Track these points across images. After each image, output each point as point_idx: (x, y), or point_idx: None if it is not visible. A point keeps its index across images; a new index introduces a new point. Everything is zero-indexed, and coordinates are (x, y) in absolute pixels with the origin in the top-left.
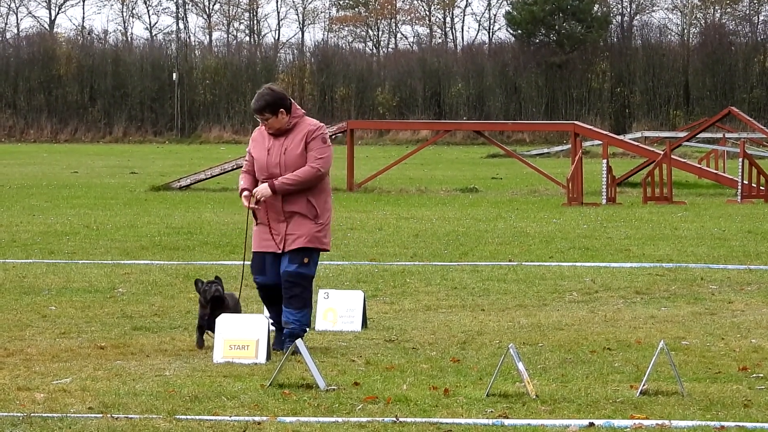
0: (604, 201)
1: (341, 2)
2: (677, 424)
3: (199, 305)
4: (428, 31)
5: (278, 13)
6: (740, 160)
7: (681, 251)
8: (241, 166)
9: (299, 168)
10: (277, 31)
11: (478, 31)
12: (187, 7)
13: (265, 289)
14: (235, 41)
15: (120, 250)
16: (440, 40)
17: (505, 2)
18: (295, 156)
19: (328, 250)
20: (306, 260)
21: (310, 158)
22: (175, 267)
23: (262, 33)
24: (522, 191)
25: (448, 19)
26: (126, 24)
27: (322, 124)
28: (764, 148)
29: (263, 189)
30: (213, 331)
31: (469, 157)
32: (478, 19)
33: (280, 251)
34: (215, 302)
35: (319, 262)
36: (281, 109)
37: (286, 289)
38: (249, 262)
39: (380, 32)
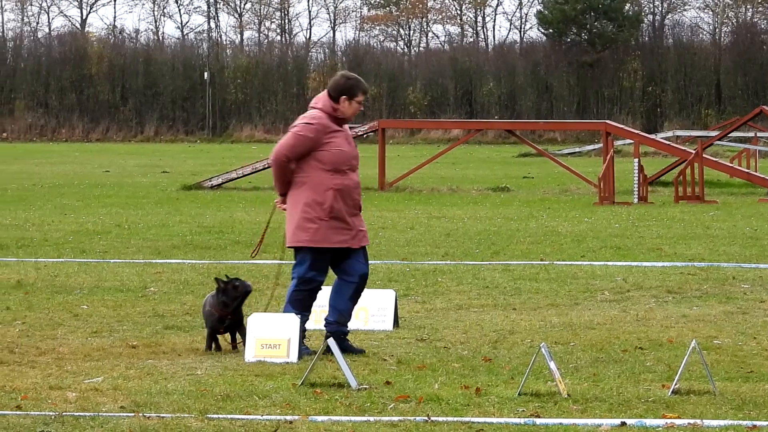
0: (635, 200)
1: (372, 1)
2: (709, 424)
3: (217, 307)
4: (459, 30)
5: (309, 12)
6: None
7: (713, 250)
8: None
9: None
10: (308, 30)
11: (509, 30)
12: (218, 6)
13: (317, 290)
14: (266, 40)
15: (151, 249)
16: (471, 39)
17: (536, 1)
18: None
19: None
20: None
21: None
22: (207, 266)
23: (294, 32)
24: (553, 190)
25: (479, 18)
26: (157, 23)
27: None
28: None
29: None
30: (234, 332)
31: (501, 157)
32: (510, 18)
33: (356, 247)
34: (245, 297)
35: None
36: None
37: (360, 288)
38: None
39: (411, 31)
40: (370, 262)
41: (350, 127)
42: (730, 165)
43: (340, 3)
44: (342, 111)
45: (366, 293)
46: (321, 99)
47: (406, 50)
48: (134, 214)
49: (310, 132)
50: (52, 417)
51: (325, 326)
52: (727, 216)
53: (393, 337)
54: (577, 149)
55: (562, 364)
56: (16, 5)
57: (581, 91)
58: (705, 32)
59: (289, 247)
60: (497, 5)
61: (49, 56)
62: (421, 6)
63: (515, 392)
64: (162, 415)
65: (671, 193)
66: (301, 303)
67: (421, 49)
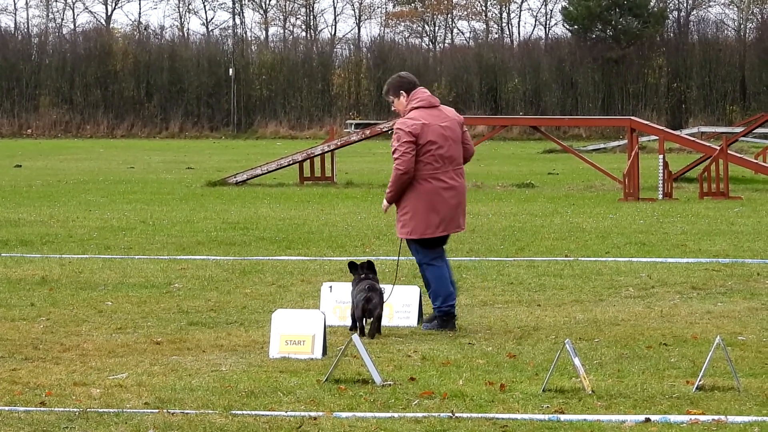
0: (660, 196)
1: None
2: (733, 420)
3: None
4: (484, 26)
5: (335, 8)
6: None
7: (737, 247)
8: (297, 162)
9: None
10: (333, 27)
11: (534, 27)
12: (243, 2)
13: None
14: (291, 36)
15: (176, 245)
16: (497, 36)
17: None
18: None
19: (404, 238)
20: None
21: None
22: (231, 262)
23: (319, 28)
24: (578, 187)
25: (504, 15)
26: (182, 19)
27: (406, 120)
28: None
29: (383, 202)
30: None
31: (526, 153)
32: (535, 14)
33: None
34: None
35: (377, 257)
36: (402, 91)
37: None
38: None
39: (436, 28)
40: (395, 258)
41: (375, 124)
42: (755, 161)
43: None
44: None
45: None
46: None
47: (431, 46)
48: (159, 211)
49: None
50: (77, 413)
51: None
52: (752, 212)
53: (417, 333)
54: (602, 145)
55: (586, 360)
56: (41, 1)
57: (606, 88)
58: (730, 28)
59: None
60: (522, 1)
61: (74, 52)
62: (446, 2)
63: (540, 388)
64: (186, 411)
65: (696, 190)
66: None
67: (446, 45)
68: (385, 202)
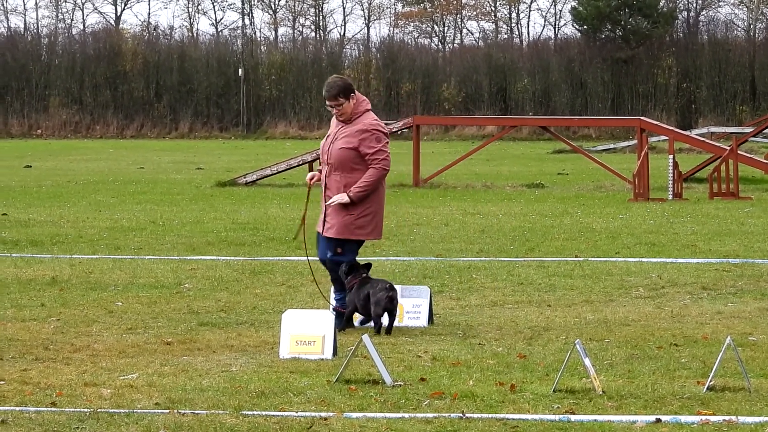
0: (670, 196)
1: None
2: (744, 420)
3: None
4: (494, 26)
5: (344, 8)
6: None
7: (748, 247)
8: (307, 162)
9: (338, 160)
10: (342, 27)
11: (543, 27)
12: (252, 2)
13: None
14: (300, 37)
15: (186, 245)
16: (506, 36)
17: None
18: (338, 149)
19: (364, 240)
20: (339, 250)
21: (368, 158)
22: (242, 263)
23: (328, 28)
24: (588, 187)
25: (513, 15)
26: (191, 20)
27: (380, 123)
28: None
29: (340, 198)
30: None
31: (535, 153)
32: (544, 14)
33: (323, 234)
34: None
35: (387, 258)
36: (352, 94)
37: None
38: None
39: (446, 28)
40: (405, 258)
41: (385, 124)
42: (765, 161)
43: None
44: None
45: (400, 290)
46: None
47: (440, 47)
48: (169, 211)
49: None
50: (87, 413)
51: None
52: (762, 212)
53: (428, 333)
54: (612, 146)
55: (596, 360)
56: (50, 2)
57: (615, 88)
58: (739, 28)
59: None
60: (531, 2)
61: (83, 53)
62: (455, 2)
63: (550, 389)
64: (197, 411)
65: (706, 190)
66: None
67: (455, 45)
68: (347, 198)
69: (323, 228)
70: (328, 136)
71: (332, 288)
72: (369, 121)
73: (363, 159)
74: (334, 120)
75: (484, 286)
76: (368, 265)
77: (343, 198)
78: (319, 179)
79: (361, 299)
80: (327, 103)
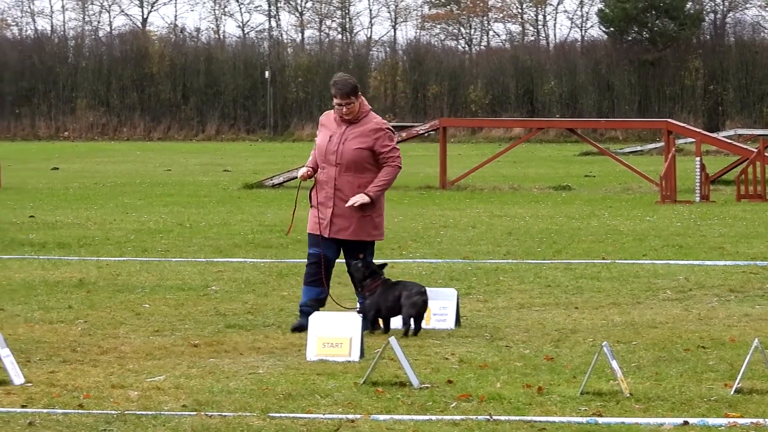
0: (697, 199)
1: (433, 0)
2: None
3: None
4: (520, 28)
5: (370, 11)
6: None
7: None
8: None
9: (352, 160)
10: (369, 29)
11: (570, 29)
12: (279, 5)
13: (316, 264)
14: (327, 39)
15: (213, 247)
16: (532, 38)
17: (597, 0)
18: (353, 149)
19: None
20: (361, 255)
21: (383, 157)
22: (268, 265)
23: (355, 31)
24: (615, 189)
25: (540, 17)
26: (218, 22)
27: (382, 121)
28: None
29: (360, 198)
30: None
31: (562, 155)
32: (571, 16)
33: (326, 236)
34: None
35: (414, 260)
36: (359, 93)
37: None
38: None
39: (472, 30)
40: (432, 260)
41: (411, 126)
42: None
43: (401, 1)
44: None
45: (428, 292)
46: None
47: (467, 49)
48: (196, 213)
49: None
50: (114, 416)
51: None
52: None
53: (455, 335)
54: (639, 148)
55: (624, 363)
56: (77, 4)
57: (642, 90)
58: (766, 30)
59: None
60: (558, 3)
61: (110, 55)
62: (482, 4)
63: (577, 391)
64: (224, 413)
65: (733, 192)
66: (305, 277)
67: (482, 47)
68: (367, 198)
69: (329, 230)
70: (331, 136)
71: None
72: (378, 120)
73: (376, 158)
74: (330, 119)
75: (511, 289)
76: (384, 265)
77: (363, 198)
78: (311, 176)
79: (390, 301)
80: (338, 101)
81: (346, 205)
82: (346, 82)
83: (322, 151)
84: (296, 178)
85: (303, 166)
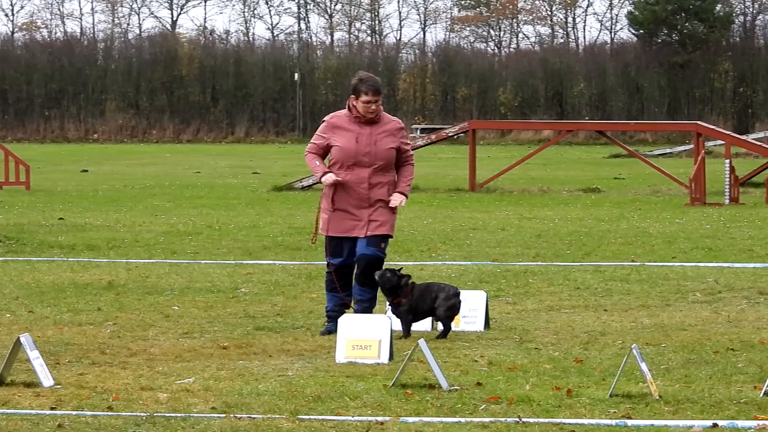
0: (726, 201)
1: (463, 2)
2: None
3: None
4: (550, 30)
5: (400, 13)
6: None
7: None
8: None
9: (386, 160)
10: (398, 31)
11: (599, 31)
12: (308, 7)
13: (341, 272)
14: (356, 41)
15: (242, 250)
16: (562, 40)
17: (627, 2)
18: (387, 148)
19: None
20: (383, 245)
21: (406, 155)
22: (298, 267)
23: (384, 33)
24: (644, 191)
25: (569, 19)
26: (248, 24)
27: (399, 120)
28: None
29: (402, 198)
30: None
31: (592, 157)
32: (600, 19)
33: (362, 236)
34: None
35: (443, 262)
36: None
37: (362, 269)
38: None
39: (502, 32)
40: (461, 262)
41: (440, 129)
42: None
43: (431, 4)
44: (356, 109)
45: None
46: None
47: (496, 51)
48: (225, 215)
49: (321, 130)
50: (144, 418)
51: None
52: None
53: (484, 338)
54: (668, 150)
55: (653, 365)
56: (107, 7)
57: (672, 92)
58: None
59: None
60: (588, 6)
61: (139, 57)
62: (511, 7)
63: (606, 393)
64: (253, 416)
65: (762, 194)
66: (327, 284)
67: (511, 49)
68: (406, 197)
69: (367, 229)
70: (359, 137)
71: (357, 288)
72: (395, 118)
73: (398, 157)
74: (344, 120)
75: (541, 291)
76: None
77: (404, 198)
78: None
79: (427, 303)
80: (369, 98)
81: (392, 205)
82: (375, 79)
83: (351, 152)
84: None
85: (328, 172)
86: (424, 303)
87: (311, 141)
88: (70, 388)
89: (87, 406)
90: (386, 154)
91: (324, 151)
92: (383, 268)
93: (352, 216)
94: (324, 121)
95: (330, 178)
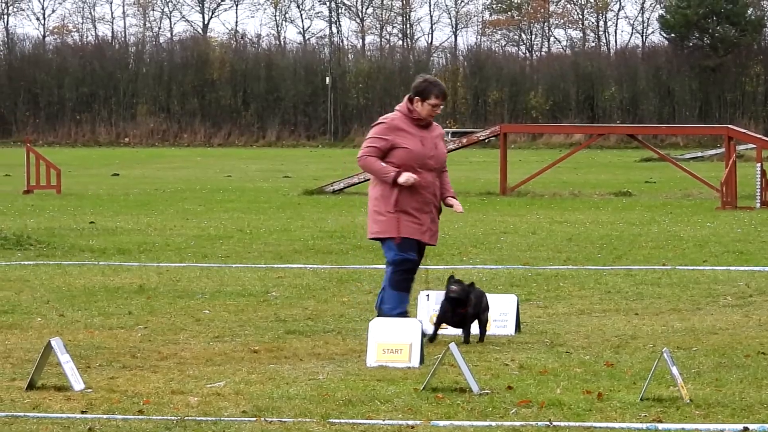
0: (758, 205)
1: (494, 6)
2: None
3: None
4: (581, 34)
5: (431, 17)
6: None
7: None
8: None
9: (444, 164)
10: (430, 35)
11: (631, 35)
12: (340, 11)
13: (413, 270)
14: (388, 45)
15: (273, 253)
16: (593, 44)
17: (658, 6)
18: (445, 152)
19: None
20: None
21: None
22: (329, 271)
23: (415, 37)
24: (676, 195)
25: (601, 23)
26: (279, 28)
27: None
28: None
29: (461, 206)
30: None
31: (623, 161)
32: (632, 22)
33: (425, 242)
34: (453, 302)
35: (474, 266)
36: None
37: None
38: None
39: (533, 36)
40: (492, 266)
41: (472, 132)
42: None
43: (462, 7)
44: (417, 112)
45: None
46: (404, 100)
47: (527, 55)
48: (256, 219)
49: (381, 132)
50: (174, 421)
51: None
52: None
53: (515, 341)
54: (699, 154)
55: (684, 369)
56: (138, 10)
57: (703, 96)
58: None
59: (369, 239)
60: (619, 9)
61: (171, 61)
62: (542, 10)
63: (637, 397)
64: (284, 419)
65: None
66: (397, 283)
67: (542, 53)
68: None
69: (427, 235)
70: (422, 140)
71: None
72: (437, 124)
73: None
74: (404, 123)
75: (572, 295)
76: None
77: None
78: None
79: (481, 306)
80: (437, 102)
81: (459, 210)
82: (442, 83)
83: (419, 155)
84: (357, 183)
85: (403, 171)
86: (479, 306)
87: (367, 144)
88: (100, 391)
89: (118, 410)
90: (444, 158)
91: (384, 154)
92: (453, 278)
93: (415, 219)
94: (381, 123)
95: (411, 178)
